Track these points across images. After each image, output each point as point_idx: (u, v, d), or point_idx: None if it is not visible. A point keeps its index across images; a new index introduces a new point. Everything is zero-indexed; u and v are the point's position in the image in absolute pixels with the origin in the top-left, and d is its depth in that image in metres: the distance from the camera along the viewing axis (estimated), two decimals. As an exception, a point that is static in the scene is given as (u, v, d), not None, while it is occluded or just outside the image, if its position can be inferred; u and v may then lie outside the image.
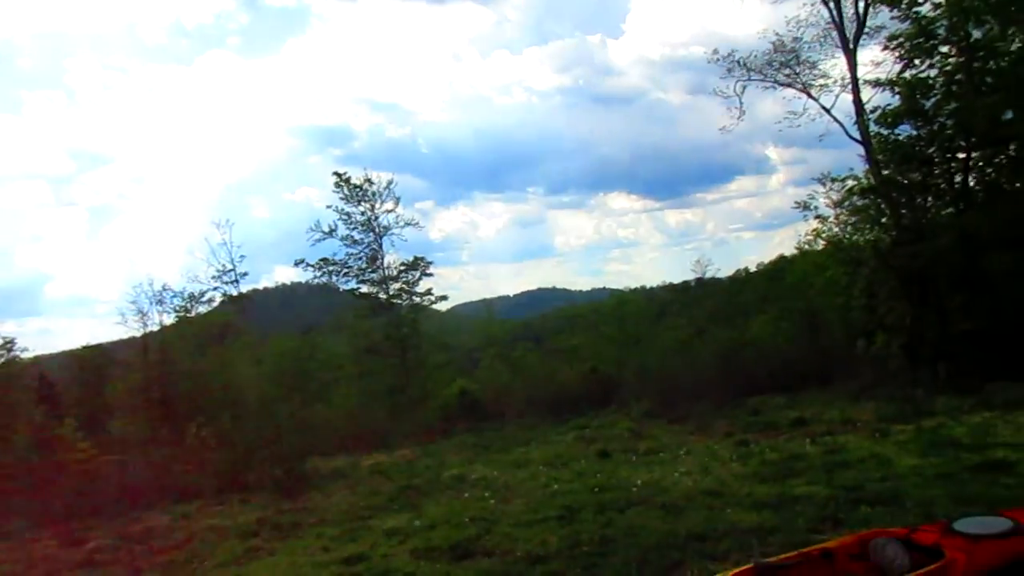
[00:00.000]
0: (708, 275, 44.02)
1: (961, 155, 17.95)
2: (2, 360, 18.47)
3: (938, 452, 9.75)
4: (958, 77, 17.66)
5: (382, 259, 29.42)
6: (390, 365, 29.08)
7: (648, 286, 53.87)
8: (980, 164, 18.48)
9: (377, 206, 29.06)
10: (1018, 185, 18.05)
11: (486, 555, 7.80)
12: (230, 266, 27.02)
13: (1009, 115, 17.16)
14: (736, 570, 4.71)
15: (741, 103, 22.75)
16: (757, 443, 13.07)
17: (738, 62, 21.98)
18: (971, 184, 18.15)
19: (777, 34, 21.44)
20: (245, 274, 27.72)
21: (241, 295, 28.20)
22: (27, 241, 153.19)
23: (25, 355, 20.25)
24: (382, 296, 29.77)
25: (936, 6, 17.52)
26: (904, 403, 14.78)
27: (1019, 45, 17.42)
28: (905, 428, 12.36)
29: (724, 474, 10.32)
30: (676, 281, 53.99)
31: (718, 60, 22.38)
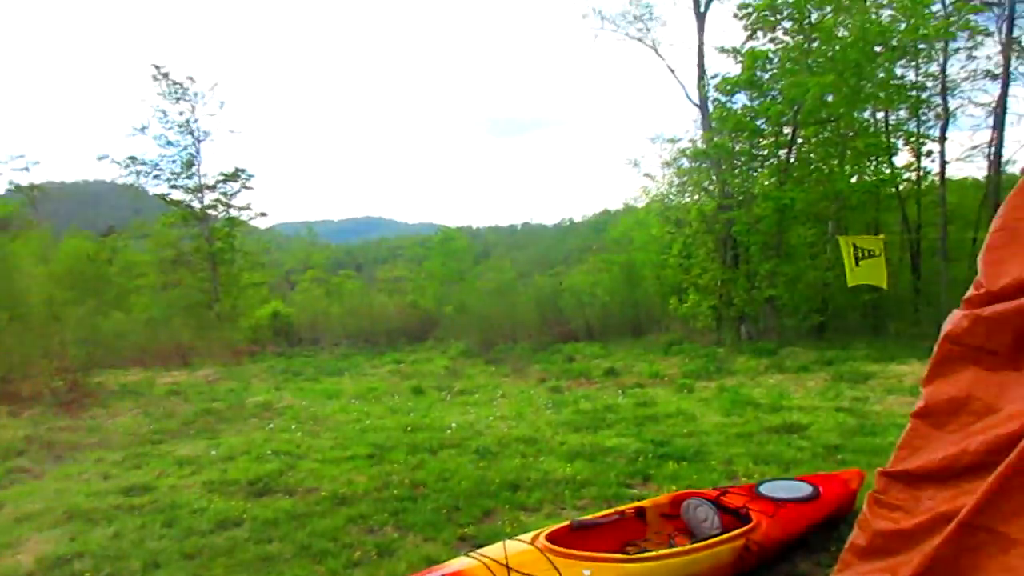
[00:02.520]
0: (534, 221, 44.67)
1: (787, 130, 18.81)
2: None
3: (739, 411, 10.15)
4: (794, 55, 18.40)
5: (199, 166, 27.26)
6: (198, 279, 27.21)
7: (475, 226, 54.20)
8: (800, 141, 19.48)
9: (198, 108, 26.84)
10: (833, 164, 19.21)
11: (287, 493, 7.16)
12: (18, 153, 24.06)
13: (830, 98, 18.12)
14: (552, 527, 4.56)
15: (592, 51, 22.87)
16: (571, 390, 13.23)
17: (594, 9, 21.93)
18: (791, 160, 19.08)
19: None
20: (36, 162, 24.77)
21: (32, 186, 25.13)
22: None
23: None
24: (196, 205, 27.62)
25: (785, -18, 18.09)
26: (708, 361, 15.48)
27: (847, 33, 18.37)
28: (708, 385, 12.92)
29: (538, 421, 10.23)
30: (503, 224, 54.60)
31: (574, 3, 22.25)
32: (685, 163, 21.44)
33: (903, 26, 18.45)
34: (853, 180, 19.26)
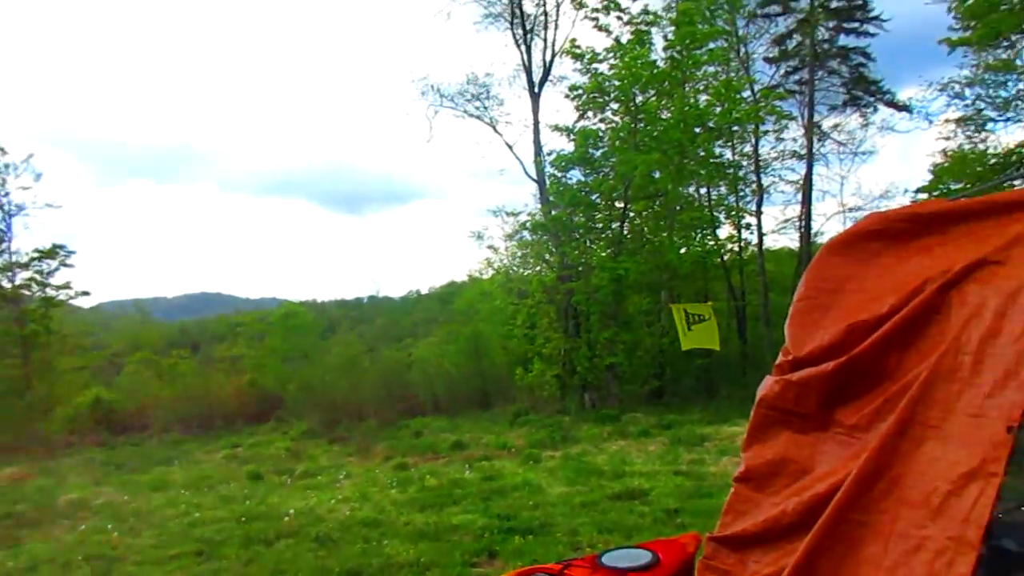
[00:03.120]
0: (381, 294, 44.25)
1: (619, 204, 19.78)
2: None
3: (583, 480, 10.23)
4: (622, 134, 19.52)
5: (10, 242, 25.11)
6: (6, 366, 24.73)
7: (319, 300, 52.89)
8: (632, 214, 20.54)
9: (9, 180, 24.88)
10: (663, 236, 20.29)
11: (99, 604, 6.45)
12: None
13: (657, 174, 19.30)
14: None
15: (431, 127, 23.29)
16: (417, 467, 12.91)
17: (432, 87, 22.37)
18: (625, 232, 20.02)
19: (472, 69, 22.25)
20: None
21: None
22: None
23: None
24: (6, 284, 25.31)
25: (612, 67, 19.26)
26: (554, 430, 15.63)
27: (669, 115, 19.78)
28: (554, 455, 12.99)
29: (383, 501, 9.85)
30: (349, 297, 53.62)
31: (413, 81, 22.76)
32: (526, 236, 22.05)
33: (718, 109, 20.08)
34: (682, 251, 20.43)
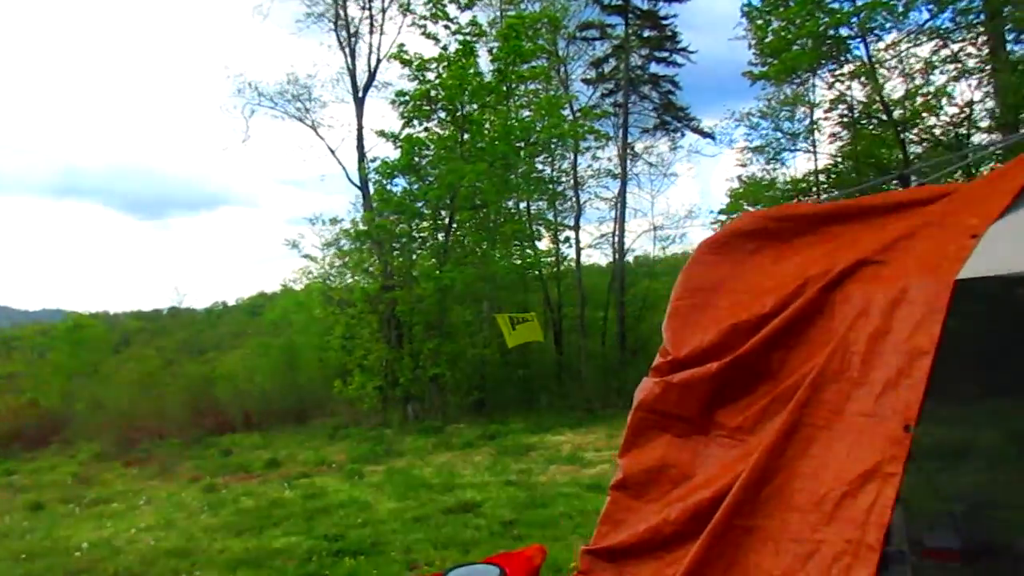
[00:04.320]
0: (183, 304, 41.69)
1: (445, 214, 19.64)
2: None
3: (413, 494, 9.89)
4: (449, 144, 19.43)
5: None
6: None
7: (112, 311, 48.91)
8: (456, 225, 20.46)
9: None
10: (486, 247, 20.38)
11: None
12: None
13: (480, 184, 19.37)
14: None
15: (247, 127, 22.09)
16: (229, 487, 11.97)
17: (250, 84, 21.20)
18: (449, 242, 19.89)
19: (292, 67, 21.29)
20: None
21: None
22: None
23: None
24: None
25: (439, 76, 19.11)
26: (376, 443, 15.15)
27: (493, 128, 19.98)
28: (378, 469, 12.53)
29: (192, 527, 8.98)
30: (146, 308, 49.96)
31: (228, 77, 21.48)
32: (346, 244, 21.35)
33: (540, 125, 20.48)
34: (503, 263, 20.59)
